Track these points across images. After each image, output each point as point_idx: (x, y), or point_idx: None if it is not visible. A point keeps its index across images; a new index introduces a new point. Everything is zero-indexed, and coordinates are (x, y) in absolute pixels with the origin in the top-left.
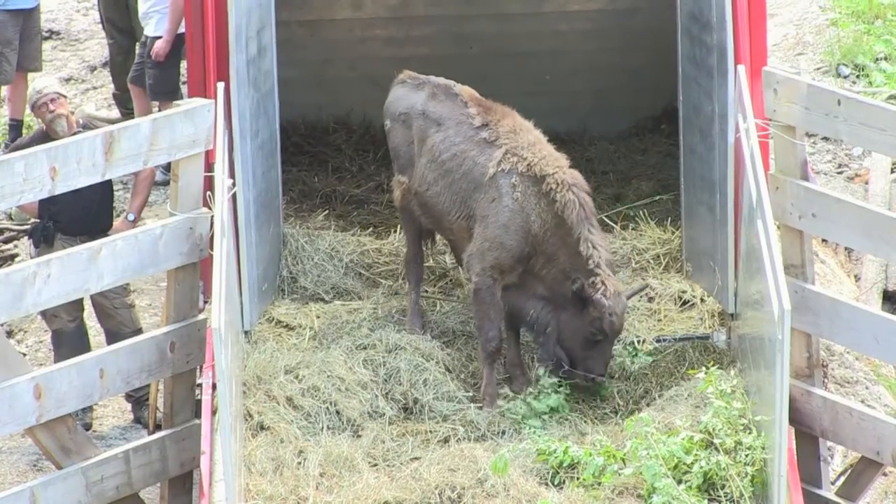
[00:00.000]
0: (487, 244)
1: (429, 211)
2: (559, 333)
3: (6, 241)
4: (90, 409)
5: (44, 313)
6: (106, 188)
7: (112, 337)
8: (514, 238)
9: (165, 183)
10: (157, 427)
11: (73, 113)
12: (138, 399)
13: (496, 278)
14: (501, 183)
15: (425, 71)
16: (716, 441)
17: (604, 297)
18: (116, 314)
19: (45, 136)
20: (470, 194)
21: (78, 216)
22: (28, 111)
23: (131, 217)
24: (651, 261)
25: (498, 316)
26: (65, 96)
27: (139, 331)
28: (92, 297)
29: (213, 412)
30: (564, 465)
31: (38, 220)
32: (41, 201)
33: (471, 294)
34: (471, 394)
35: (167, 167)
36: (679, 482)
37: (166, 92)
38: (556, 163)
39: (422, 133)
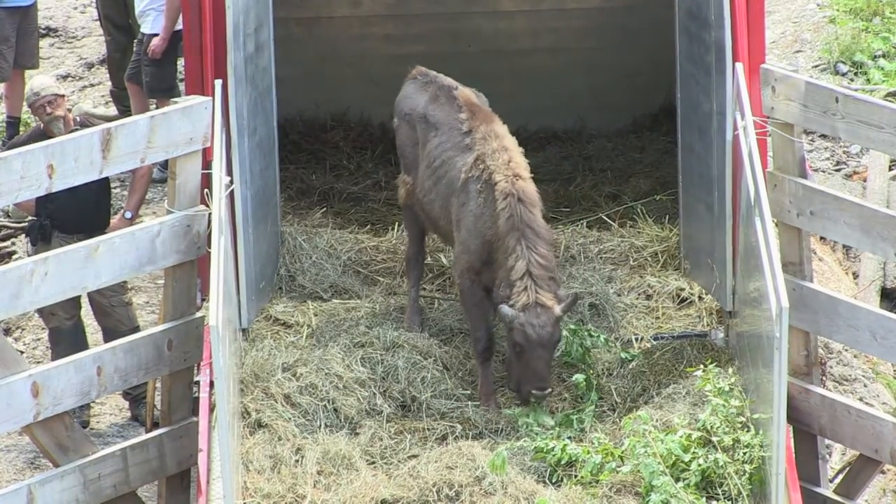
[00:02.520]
0: (461, 248)
1: (427, 215)
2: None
3: (3, 239)
4: (88, 406)
5: (41, 311)
6: (103, 186)
7: (109, 335)
8: (475, 242)
9: (163, 180)
10: (155, 425)
11: (70, 110)
12: (136, 397)
13: (473, 279)
14: (470, 188)
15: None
16: (714, 439)
17: (513, 308)
18: (113, 312)
19: (43, 135)
20: (450, 199)
21: (75, 214)
22: (26, 108)
23: (128, 215)
24: (649, 258)
25: (483, 315)
26: (62, 96)
27: (137, 328)
28: (89, 294)
29: (211, 410)
30: (562, 462)
31: (34, 218)
32: (38, 199)
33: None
34: (469, 392)
35: (164, 165)
36: (677, 480)
37: (164, 89)
38: (509, 171)
39: (423, 137)
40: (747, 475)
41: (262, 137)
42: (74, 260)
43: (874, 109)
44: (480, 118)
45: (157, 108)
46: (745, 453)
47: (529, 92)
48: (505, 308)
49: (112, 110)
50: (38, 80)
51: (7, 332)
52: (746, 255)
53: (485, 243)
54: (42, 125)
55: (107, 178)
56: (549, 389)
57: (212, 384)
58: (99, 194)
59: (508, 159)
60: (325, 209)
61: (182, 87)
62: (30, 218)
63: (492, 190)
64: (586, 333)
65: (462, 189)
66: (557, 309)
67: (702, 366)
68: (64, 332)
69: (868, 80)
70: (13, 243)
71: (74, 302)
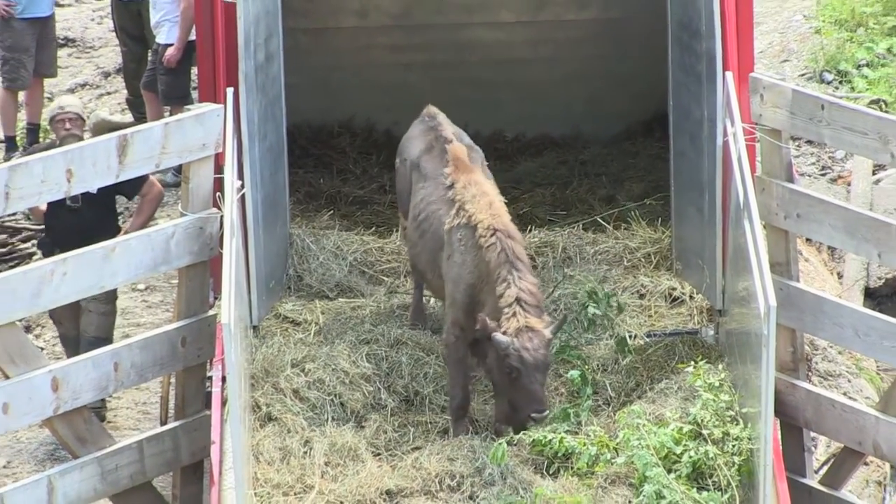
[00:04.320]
0: (448, 301)
1: (415, 267)
2: (493, 379)
3: (24, 241)
4: (104, 401)
5: (51, 316)
6: (107, 209)
7: (71, 335)
8: (460, 291)
9: (176, 184)
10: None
11: (85, 122)
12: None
13: (458, 335)
14: (453, 239)
15: (427, 77)
16: (704, 432)
17: (505, 333)
18: (85, 314)
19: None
20: (437, 254)
21: (77, 236)
22: (46, 117)
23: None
24: (642, 259)
25: (463, 373)
26: (83, 119)
27: (103, 340)
28: None
29: (223, 404)
30: (559, 454)
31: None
32: (46, 223)
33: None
34: (469, 387)
35: (178, 169)
36: (669, 471)
37: (178, 97)
38: (490, 211)
39: (414, 185)
40: (736, 467)
41: (271, 143)
42: (92, 260)
43: (858, 116)
44: (462, 170)
45: (171, 114)
46: (734, 446)
47: (528, 100)
48: (498, 336)
49: (128, 117)
50: (68, 98)
51: (28, 329)
52: (735, 255)
53: (468, 288)
54: (58, 141)
55: (113, 202)
56: (547, 412)
57: (224, 379)
58: (102, 217)
59: (489, 202)
60: (331, 212)
61: (195, 94)
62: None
63: (474, 231)
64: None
65: (447, 241)
66: (547, 332)
67: (693, 362)
68: (69, 339)
69: (852, 89)
70: (34, 245)
71: (79, 315)
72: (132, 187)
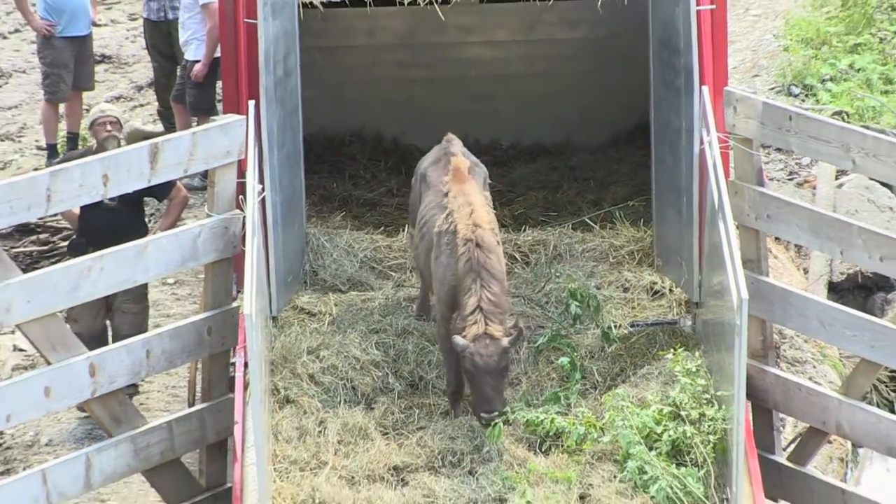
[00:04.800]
0: (436, 297)
1: (417, 266)
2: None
3: (64, 239)
4: (136, 385)
5: (68, 314)
6: (137, 210)
7: (113, 333)
8: (444, 290)
9: (203, 188)
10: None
11: (122, 126)
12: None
13: (446, 327)
14: (441, 242)
15: (430, 91)
16: (682, 413)
17: (464, 338)
18: (119, 315)
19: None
20: (430, 254)
21: (110, 234)
22: (84, 126)
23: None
24: (626, 256)
25: (454, 361)
26: (121, 124)
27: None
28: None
29: (245, 387)
30: (550, 433)
31: (75, 235)
32: (81, 224)
33: None
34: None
35: (204, 175)
36: (650, 449)
37: (204, 109)
38: (470, 221)
39: (422, 194)
40: (712, 445)
41: (289, 151)
42: (126, 257)
43: (822, 126)
44: (457, 180)
45: (198, 125)
46: (709, 426)
47: (522, 111)
48: (457, 338)
49: (159, 127)
50: (106, 105)
51: (67, 320)
52: (711, 253)
53: (451, 289)
54: (95, 145)
55: (141, 203)
56: (497, 412)
57: (246, 365)
58: (133, 217)
59: (471, 211)
60: (344, 213)
61: (220, 106)
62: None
63: (455, 238)
64: (589, 292)
65: (436, 244)
66: (505, 341)
67: (672, 349)
68: (83, 338)
69: (817, 101)
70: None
71: (96, 312)
72: (162, 191)
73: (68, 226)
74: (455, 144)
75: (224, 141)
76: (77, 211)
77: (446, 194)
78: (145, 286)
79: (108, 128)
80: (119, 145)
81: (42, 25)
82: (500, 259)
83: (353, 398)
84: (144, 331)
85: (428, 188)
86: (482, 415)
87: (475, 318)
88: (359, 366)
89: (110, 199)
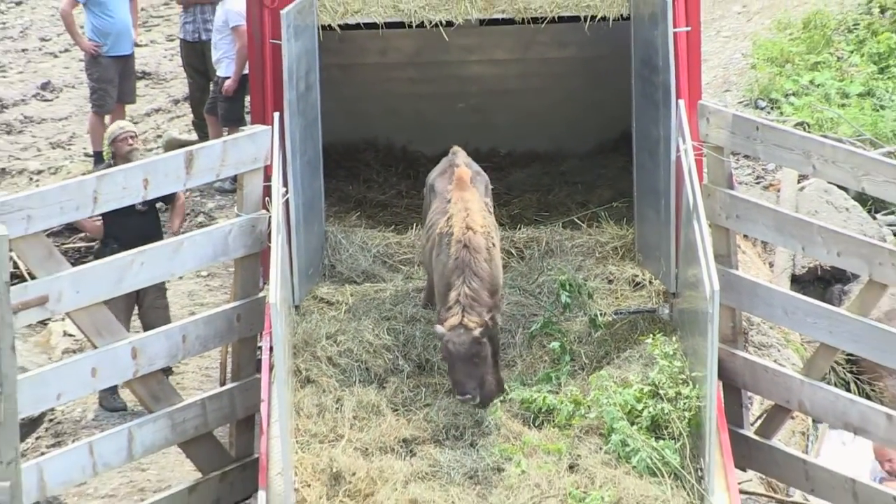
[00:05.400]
0: (436, 290)
1: (422, 262)
2: None
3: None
4: (171, 368)
5: None
6: (156, 214)
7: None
8: (442, 285)
9: (232, 191)
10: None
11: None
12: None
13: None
14: (442, 242)
15: (435, 105)
16: (661, 392)
17: (440, 327)
18: (153, 311)
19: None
20: (432, 252)
21: (140, 235)
22: (108, 139)
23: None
24: (611, 251)
25: None
26: (137, 137)
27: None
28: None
29: (270, 369)
30: (543, 410)
31: (101, 242)
32: (112, 228)
33: None
34: None
35: (234, 178)
36: (632, 424)
37: (234, 120)
38: (464, 224)
39: (432, 202)
40: (687, 420)
41: (310, 157)
42: (164, 252)
43: (786, 136)
44: (459, 187)
45: (228, 134)
46: (685, 403)
47: (518, 122)
48: (436, 327)
49: (194, 136)
50: (123, 122)
51: None
52: (686, 249)
53: (447, 284)
54: (116, 159)
55: (157, 218)
56: (469, 396)
57: (271, 349)
58: (155, 220)
59: (466, 215)
60: (359, 213)
61: (248, 118)
62: (96, 241)
63: (450, 240)
64: (577, 283)
65: (437, 243)
66: (477, 331)
67: (651, 335)
68: None
69: (781, 113)
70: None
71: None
72: (169, 196)
73: None
74: (460, 156)
75: (252, 149)
76: (98, 221)
77: (449, 200)
78: (164, 285)
79: (130, 142)
80: (141, 155)
81: (90, 46)
82: (493, 259)
83: (366, 378)
84: (169, 321)
85: (435, 196)
86: (457, 397)
87: (454, 311)
88: (372, 349)
89: (141, 204)
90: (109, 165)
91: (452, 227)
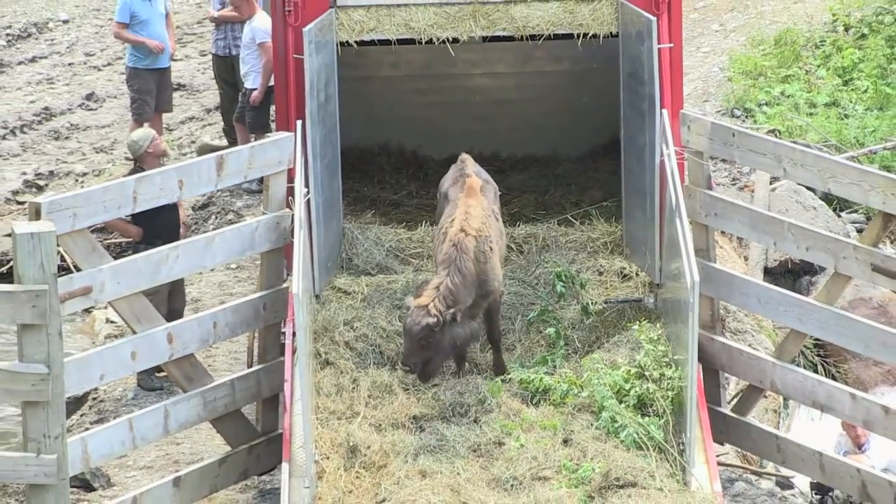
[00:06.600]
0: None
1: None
2: None
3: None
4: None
5: None
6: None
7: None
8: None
9: (259, 191)
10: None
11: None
12: (150, 374)
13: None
14: (440, 241)
15: (443, 113)
16: (646, 373)
17: (410, 298)
18: (181, 295)
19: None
20: (439, 248)
21: (174, 231)
22: (141, 144)
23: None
24: (601, 246)
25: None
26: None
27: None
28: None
29: (293, 352)
30: (540, 390)
31: (137, 242)
32: (154, 225)
33: None
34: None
35: (261, 180)
36: (620, 402)
37: (260, 127)
38: (459, 227)
39: (442, 209)
40: (670, 399)
41: (329, 161)
42: (197, 247)
43: (759, 142)
44: (468, 195)
45: (255, 140)
46: (668, 384)
47: (518, 128)
48: (408, 298)
49: (224, 142)
50: (148, 130)
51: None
52: (670, 244)
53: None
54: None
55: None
56: (407, 369)
57: (294, 334)
58: (178, 218)
59: (464, 218)
60: (373, 211)
61: (273, 125)
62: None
63: (444, 238)
64: (571, 274)
65: (441, 243)
66: (432, 319)
67: (638, 322)
68: None
69: (755, 121)
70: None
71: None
72: None
73: None
74: (469, 165)
75: (276, 153)
76: (129, 220)
77: (457, 206)
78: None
79: (160, 147)
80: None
81: (156, 44)
82: (487, 262)
83: (380, 361)
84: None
85: (447, 202)
86: (399, 365)
87: (429, 294)
88: (385, 335)
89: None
90: (141, 169)
91: (450, 228)
